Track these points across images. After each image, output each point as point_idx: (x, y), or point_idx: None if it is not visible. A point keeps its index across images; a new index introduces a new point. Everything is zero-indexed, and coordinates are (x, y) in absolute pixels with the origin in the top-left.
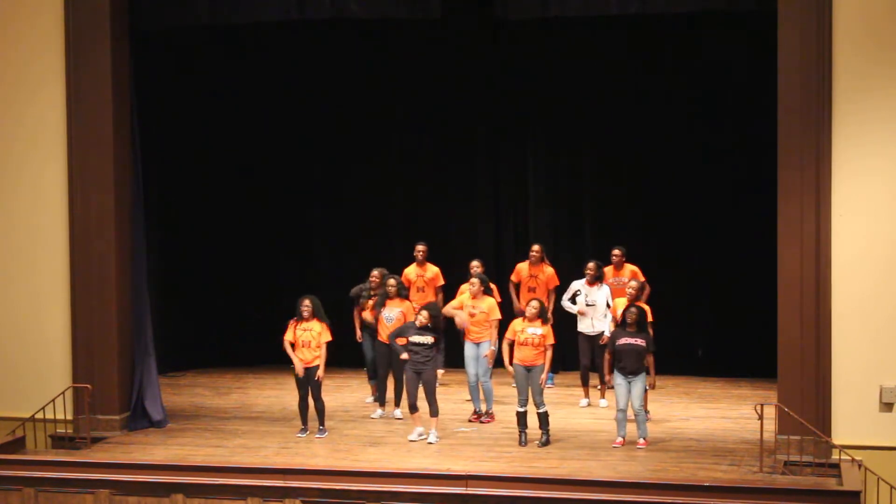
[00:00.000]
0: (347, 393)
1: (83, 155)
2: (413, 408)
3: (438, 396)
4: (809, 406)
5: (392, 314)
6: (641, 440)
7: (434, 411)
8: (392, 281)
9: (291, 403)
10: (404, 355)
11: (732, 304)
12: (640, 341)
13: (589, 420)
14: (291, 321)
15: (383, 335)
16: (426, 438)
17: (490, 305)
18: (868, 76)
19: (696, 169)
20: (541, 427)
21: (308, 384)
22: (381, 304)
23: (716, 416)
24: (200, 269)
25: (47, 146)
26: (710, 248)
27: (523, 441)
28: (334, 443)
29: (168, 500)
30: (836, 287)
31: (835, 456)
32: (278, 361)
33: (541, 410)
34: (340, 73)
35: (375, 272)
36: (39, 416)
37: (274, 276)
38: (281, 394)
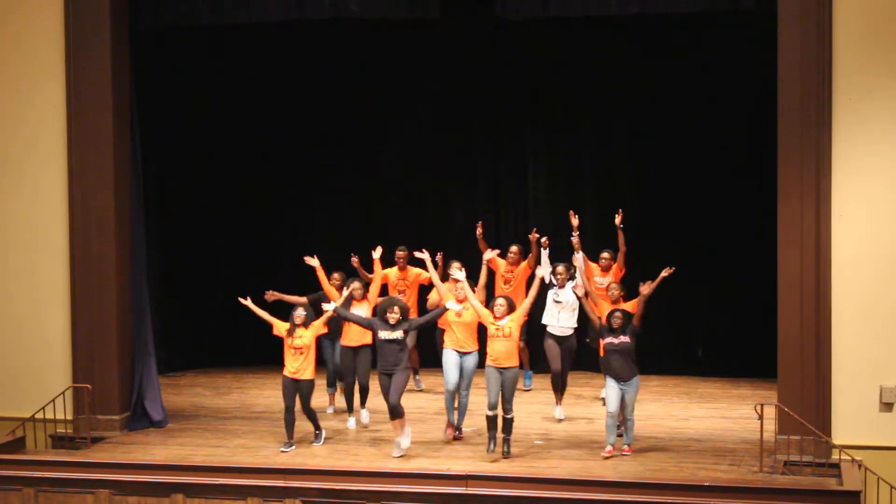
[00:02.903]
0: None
1: (83, 155)
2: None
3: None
4: (809, 406)
5: (358, 313)
6: (626, 446)
7: (398, 413)
8: (357, 284)
9: None
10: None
11: (732, 304)
12: (625, 339)
13: (588, 420)
14: (287, 327)
15: (348, 338)
16: (399, 443)
17: (482, 310)
18: (868, 76)
19: (696, 168)
20: (503, 431)
21: (296, 394)
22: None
23: (716, 416)
24: (200, 268)
25: (47, 146)
26: (710, 247)
27: (492, 448)
28: (334, 443)
29: (168, 500)
30: (836, 287)
31: (835, 456)
32: (278, 361)
33: (508, 416)
34: (340, 73)
35: (336, 274)
36: (39, 416)
37: (274, 276)
38: (281, 394)
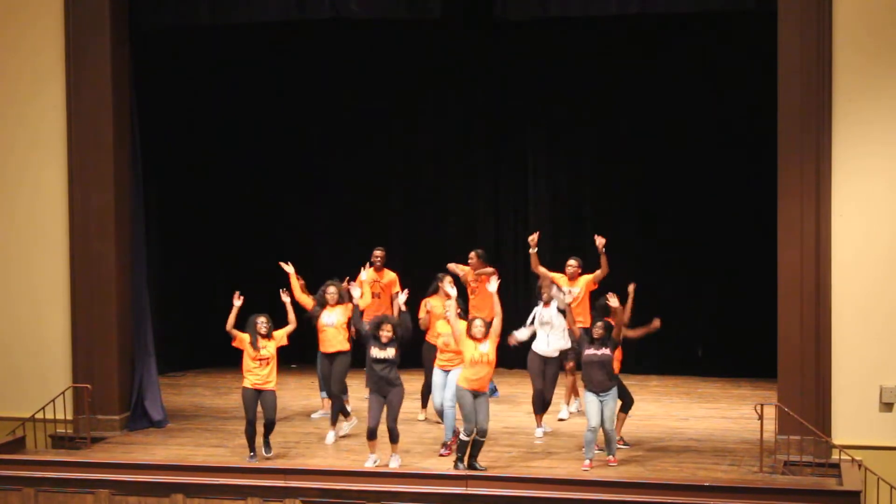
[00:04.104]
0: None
1: (83, 155)
2: (372, 434)
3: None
4: (809, 406)
5: (332, 318)
6: (611, 457)
7: (395, 437)
8: (332, 289)
9: (290, 404)
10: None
11: (732, 304)
12: (606, 351)
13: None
14: (248, 338)
15: (324, 345)
16: (387, 464)
17: (459, 333)
18: (868, 75)
19: (696, 168)
20: (472, 451)
21: (258, 405)
22: (317, 316)
23: (716, 416)
24: (200, 269)
25: (47, 146)
26: (710, 248)
27: (462, 466)
28: (334, 443)
29: (168, 500)
30: (836, 287)
31: (835, 456)
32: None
33: (482, 438)
34: (339, 73)
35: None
36: (39, 416)
37: (274, 276)
38: (280, 394)
